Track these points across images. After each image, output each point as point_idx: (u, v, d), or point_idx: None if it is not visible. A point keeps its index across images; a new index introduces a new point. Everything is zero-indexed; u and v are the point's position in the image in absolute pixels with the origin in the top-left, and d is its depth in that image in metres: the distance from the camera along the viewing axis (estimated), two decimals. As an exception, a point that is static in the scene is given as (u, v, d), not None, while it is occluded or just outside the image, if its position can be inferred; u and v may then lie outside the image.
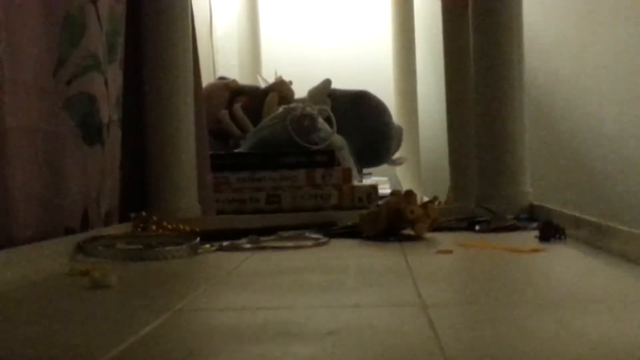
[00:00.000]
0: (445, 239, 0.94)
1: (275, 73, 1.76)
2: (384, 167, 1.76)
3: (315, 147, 1.38)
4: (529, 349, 0.39)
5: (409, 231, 0.97)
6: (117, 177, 1.08)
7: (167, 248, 0.86)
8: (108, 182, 1.03)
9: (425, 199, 1.45)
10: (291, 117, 1.40)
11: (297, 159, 1.35)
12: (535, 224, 1.00)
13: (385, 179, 1.81)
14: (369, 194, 1.30)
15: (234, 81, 1.74)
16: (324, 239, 0.97)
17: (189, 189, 1.18)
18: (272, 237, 1.00)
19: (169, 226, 1.07)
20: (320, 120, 1.44)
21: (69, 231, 0.91)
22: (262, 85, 1.74)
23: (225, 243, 0.93)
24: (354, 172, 1.42)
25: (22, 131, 0.81)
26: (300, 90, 1.66)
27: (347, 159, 1.46)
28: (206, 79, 1.67)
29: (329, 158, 1.35)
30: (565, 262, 0.73)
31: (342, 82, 1.68)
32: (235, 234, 0.99)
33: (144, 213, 1.07)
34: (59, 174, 0.89)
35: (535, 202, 1.14)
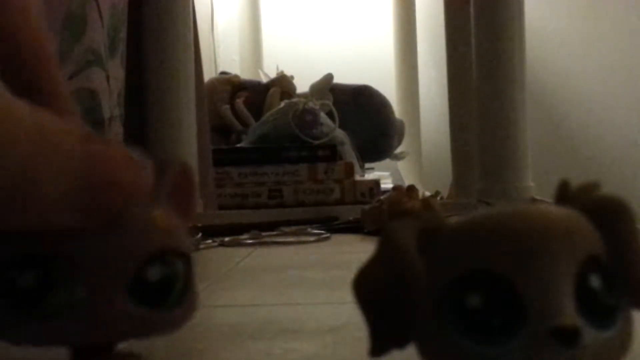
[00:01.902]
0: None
1: (277, 68, 1.76)
2: (386, 161, 1.76)
3: (317, 142, 1.38)
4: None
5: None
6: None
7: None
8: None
9: (427, 193, 1.45)
10: (293, 112, 1.40)
11: (299, 154, 1.35)
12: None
13: (387, 173, 1.81)
14: (371, 189, 1.30)
15: (235, 76, 1.74)
16: (326, 234, 0.97)
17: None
18: (274, 232, 1.00)
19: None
20: (322, 115, 1.43)
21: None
22: (264, 80, 1.74)
23: (226, 238, 0.93)
24: (356, 166, 1.42)
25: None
26: (302, 85, 1.65)
27: (349, 153, 1.46)
28: (208, 74, 1.66)
29: (331, 153, 1.34)
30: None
31: (343, 77, 1.67)
32: (237, 229, 0.99)
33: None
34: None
35: (537, 197, 1.14)
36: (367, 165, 1.67)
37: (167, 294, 0.28)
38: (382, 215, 0.96)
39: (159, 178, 0.29)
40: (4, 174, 0.23)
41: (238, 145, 1.49)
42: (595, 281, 0.25)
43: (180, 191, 0.30)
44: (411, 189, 0.99)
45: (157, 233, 0.28)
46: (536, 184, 1.17)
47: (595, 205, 0.26)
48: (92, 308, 0.27)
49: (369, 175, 1.56)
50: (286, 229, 1.02)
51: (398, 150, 1.73)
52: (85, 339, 0.28)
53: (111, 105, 1.02)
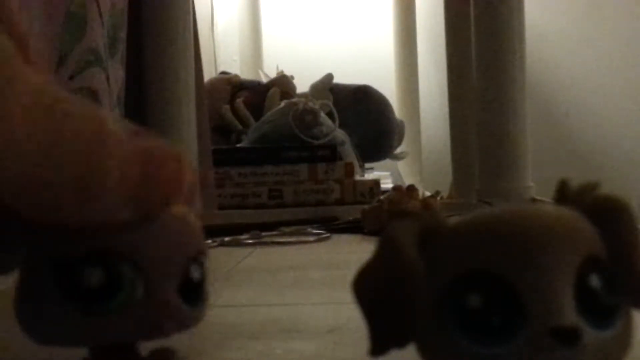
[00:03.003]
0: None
1: (277, 68, 1.76)
2: (386, 161, 1.76)
3: (317, 142, 1.38)
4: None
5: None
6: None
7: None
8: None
9: (427, 193, 1.45)
10: (293, 112, 1.40)
11: (299, 154, 1.34)
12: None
13: (387, 173, 1.81)
14: (371, 189, 1.30)
15: (235, 76, 1.74)
16: (326, 234, 0.97)
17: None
18: (274, 232, 1.00)
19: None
20: (322, 115, 1.43)
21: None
22: (264, 80, 1.74)
23: (227, 238, 0.93)
24: (356, 166, 1.41)
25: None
26: (302, 85, 1.65)
27: (349, 153, 1.46)
28: (208, 75, 1.66)
29: (331, 153, 1.34)
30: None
31: (343, 77, 1.67)
32: (237, 229, 0.99)
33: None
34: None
35: (537, 197, 1.14)
36: (367, 165, 1.66)
37: (202, 292, 0.30)
38: (382, 215, 0.96)
39: None
40: (71, 168, 0.23)
41: (238, 145, 1.49)
42: (595, 281, 0.25)
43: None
44: (411, 189, 1.00)
45: (197, 233, 0.30)
46: (536, 184, 1.17)
47: (595, 205, 0.26)
48: (150, 307, 0.28)
49: (369, 175, 1.56)
50: (286, 229, 1.02)
51: (398, 150, 1.73)
52: (140, 337, 0.29)
53: (111, 105, 1.02)
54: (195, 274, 0.29)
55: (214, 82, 1.70)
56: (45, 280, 0.28)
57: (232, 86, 1.67)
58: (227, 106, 1.61)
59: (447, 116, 1.47)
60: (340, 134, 1.46)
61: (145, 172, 0.26)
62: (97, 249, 0.27)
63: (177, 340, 0.30)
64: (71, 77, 0.91)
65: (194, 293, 0.30)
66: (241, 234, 0.96)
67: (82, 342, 0.28)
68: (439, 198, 1.28)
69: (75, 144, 0.24)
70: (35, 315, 0.28)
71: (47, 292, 0.28)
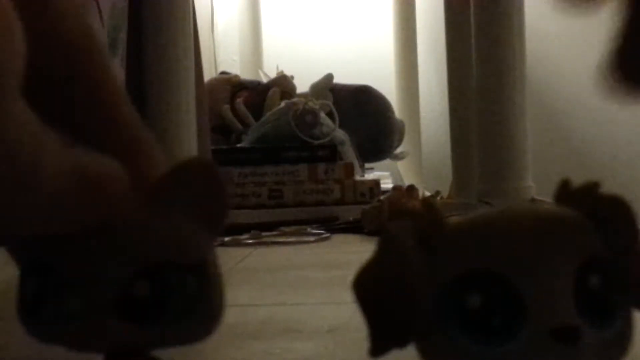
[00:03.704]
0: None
1: (277, 68, 1.76)
2: (386, 161, 1.76)
3: (317, 142, 1.38)
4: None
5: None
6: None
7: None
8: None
9: (427, 193, 1.45)
10: (293, 112, 1.40)
11: (299, 154, 1.34)
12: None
13: (387, 173, 1.81)
14: (371, 189, 1.30)
15: (235, 76, 1.74)
16: (326, 234, 0.97)
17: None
18: (274, 232, 1.00)
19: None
20: (323, 115, 1.43)
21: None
22: (264, 80, 1.74)
23: (227, 238, 0.93)
24: (356, 167, 1.41)
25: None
26: (302, 85, 1.65)
27: (349, 153, 1.46)
28: (208, 75, 1.66)
29: (331, 153, 1.34)
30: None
31: (343, 77, 1.67)
32: (237, 230, 0.99)
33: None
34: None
35: (537, 197, 1.14)
36: (367, 165, 1.66)
37: (161, 310, 0.27)
38: (382, 215, 0.96)
39: (173, 182, 0.28)
40: (11, 173, 0.23)
41: (238, 145, 1.49)
42: (595, 281, 0.25)
43: (203, 194, 0.29)
44: (411, 189, 1.00)
45: (150, 245, 0.27)
46: (536, 184, 1.17)
47: (595, 205, 0.26)
48: (82, 323, 0.27)
49: (369, 175, 1.56)
50: (286, 229, 1.02)
51: (398, 150, 1.73)
52: (78, 349, 0.28)
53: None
54: (140, 289, 0.27)
55: (214, 82, 1.70)
56: (20, 283, 0.28)
57: (232, 86, 1.67)
58: (227, 106, 1.61)
59: (447, 116, 1.47)
60: (340, 134, 1.46)
61: (81, 182, 0.25)
62: (35, 258, 0.27)
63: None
64: (71, 77, 0.91)
65: (142, 310, 0.27)
66: (241, 234, 0.96)
67: (56, 343, 0.28)
68: (438, 198, 1.28)
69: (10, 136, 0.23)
70: (20, 314, 0.28)
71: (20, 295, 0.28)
